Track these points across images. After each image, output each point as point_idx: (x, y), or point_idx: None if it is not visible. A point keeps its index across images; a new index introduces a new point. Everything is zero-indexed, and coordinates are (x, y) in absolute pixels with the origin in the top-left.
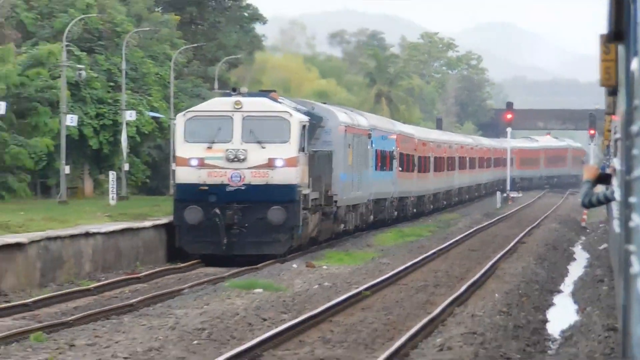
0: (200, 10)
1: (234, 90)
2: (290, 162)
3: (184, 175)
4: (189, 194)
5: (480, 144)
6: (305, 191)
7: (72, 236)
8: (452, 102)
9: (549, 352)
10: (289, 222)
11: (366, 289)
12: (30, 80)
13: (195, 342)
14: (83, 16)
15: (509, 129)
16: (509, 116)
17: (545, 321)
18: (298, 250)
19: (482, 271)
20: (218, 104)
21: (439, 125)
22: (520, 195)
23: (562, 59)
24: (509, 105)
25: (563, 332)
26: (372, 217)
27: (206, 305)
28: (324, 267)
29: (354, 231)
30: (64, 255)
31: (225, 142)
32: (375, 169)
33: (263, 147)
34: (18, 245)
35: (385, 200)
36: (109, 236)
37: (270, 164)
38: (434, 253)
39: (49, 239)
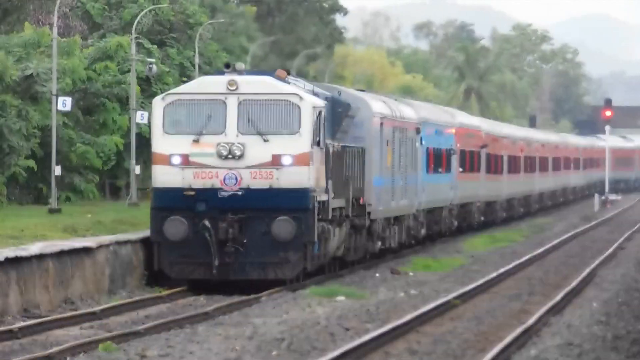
0: (277, 1)
1: (228, 66)
2: (301, 160)
3: (163, 176)
4: (171, 201)
5: (567, 142)
6: (322, 197)
7: (143, 240)
8: (547, 98)
9: None
10: (300, 237)
11: (456, 298)
12: (98, 74)
13: (274, 352)
14: (154, 7)
15: (607, 127)
16: (608, 113)
17: None
18: (320, 274)
19: (580, 278)
20: (207, 84)
21: (532, 123)
22: (619, 198)
23: None
24: (608, 102)
25: None
26: (423, 230)
27: (285, 313)
28: (410, 273)
29: (398, 249)
30: (135, 261)
31: (216, 134)
32: (427, 171)
33: (265, 140)
34: (86, 250)
35: (441, 209)
36: None
37: (275, 162)
38: (528, 259)
39: (118, 243)
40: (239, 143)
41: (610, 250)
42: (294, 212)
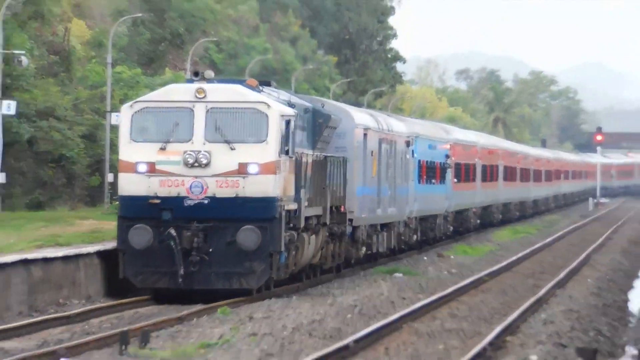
0: (353, 52)
1: (196, 74)
2: (268, 168)
3: (129, 184)
4: (136, 209)
5: (558, 157)
6: (290, 206)
7: None
8: (555, 126)
9: (630, 324)
10: (266, 246)
11: (486, 275)
12: None
13: (348, 316)
14: (261, 57)
15: (598, 148)
16: (599, 138)
17: (627, 300)
18: (293, 281)
19: (578, 261)
20: (175, 92)
21: (543, 145)
22: (607, 201)
23: None
24: (599, 129)
25: None
26: (415, 236)
27: (358, 287)
28: (452, 257)
29: (390, 254)
30: None
31: (183, 142)
32: (419, 182)
33: (232, 149)
34: None
35: (435, 216)
36: None
37: (241, 171)
38: (540, 246)
39: None
40: (205, 151)
41: (601, 239)
42: (259, 221)
